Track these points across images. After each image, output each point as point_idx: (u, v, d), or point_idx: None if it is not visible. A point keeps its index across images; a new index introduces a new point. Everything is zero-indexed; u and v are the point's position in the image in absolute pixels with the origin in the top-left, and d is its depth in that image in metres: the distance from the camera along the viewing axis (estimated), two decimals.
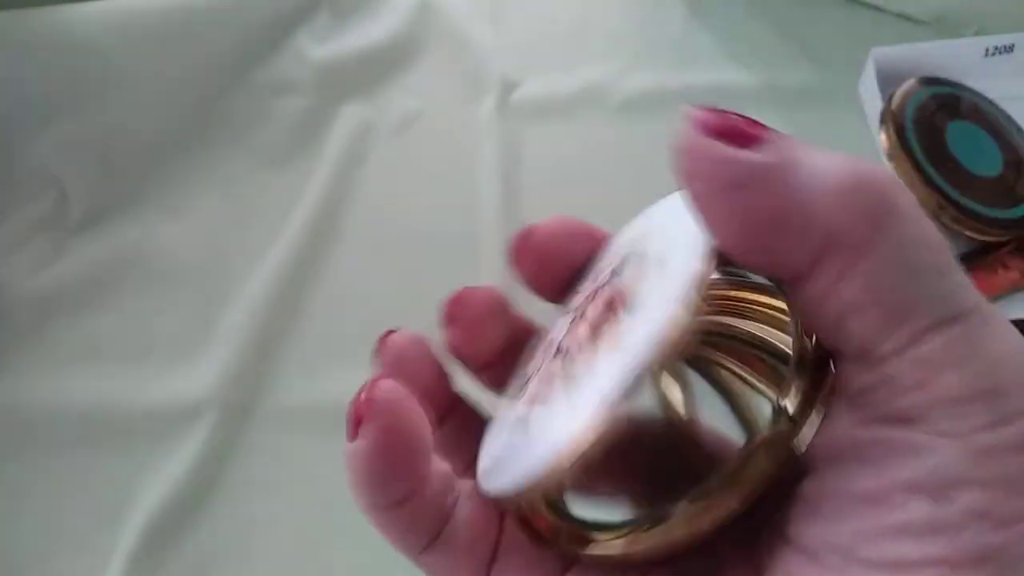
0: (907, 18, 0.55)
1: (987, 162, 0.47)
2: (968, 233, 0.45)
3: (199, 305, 0.46)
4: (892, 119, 0.47)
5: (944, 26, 0.54)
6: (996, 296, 0.44)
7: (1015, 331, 0.14)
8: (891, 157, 0.46)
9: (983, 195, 0.46)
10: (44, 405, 0.43)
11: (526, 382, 0.19)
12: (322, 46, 0.55)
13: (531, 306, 0.22)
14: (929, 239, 0.14)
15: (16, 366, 0.45)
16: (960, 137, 0.47)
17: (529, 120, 0.53)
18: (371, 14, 0.57)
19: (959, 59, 0.50)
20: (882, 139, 0.47)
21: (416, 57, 0.56)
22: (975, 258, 0.46)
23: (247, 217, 0.49)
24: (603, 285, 0.18)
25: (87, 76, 0.53)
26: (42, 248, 0.48)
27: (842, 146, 0.53)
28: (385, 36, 0.56)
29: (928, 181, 0.45)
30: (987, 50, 0.51)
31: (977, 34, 0.53)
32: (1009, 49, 0.50)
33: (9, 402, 0.43)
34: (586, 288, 0.19)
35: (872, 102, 0.50)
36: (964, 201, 0.45)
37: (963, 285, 0.14)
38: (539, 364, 0.19)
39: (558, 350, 0.18)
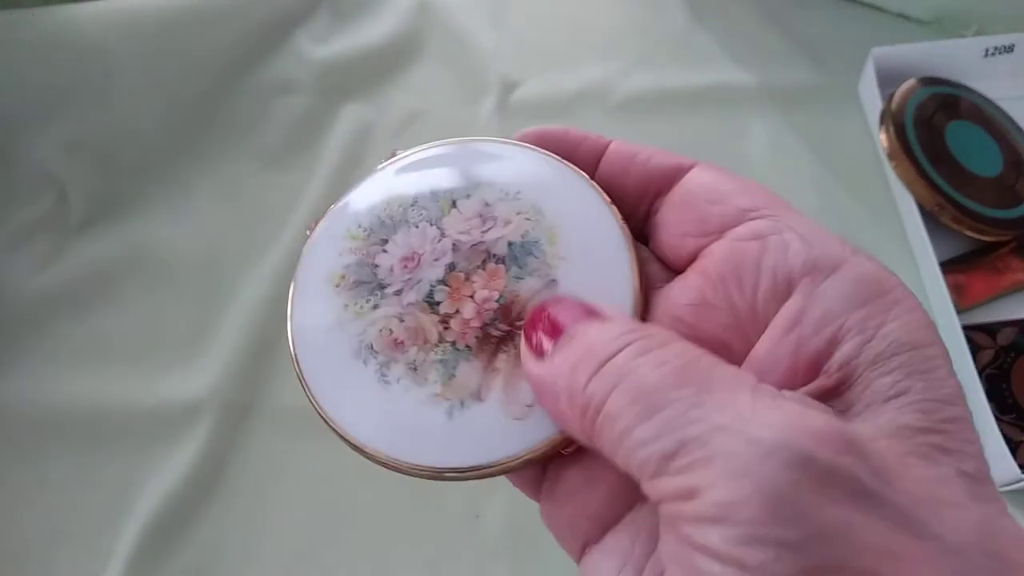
0: (907, 18, 0.55)
1: (987, 162, 0.47)
2: (968, 233, 0.45)
3: (199, 305, 0.46)
4: (892, 119, 0.47)
5: (944, 26, 0.54)
6: (996, 296, 0.44)
7: None
8: (891, 157, 0.46)
9: (983, 195, 0.46)
10: (44, 405, 0.43)
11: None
12: (322, 46, 0.55)
13: None
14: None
15: (16, 366, 0.45)
16: (960, 137, 0.47)
17: (529, 120, 0.52)
18: (371, 14, 0.57)
19: (959, 59, 0.50)
20: (882, 139, 0.47)
21: (416, 57, 0.56)
22: (975, 258, 0.46)
23: (247, 217, 0.49)
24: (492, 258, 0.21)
25: (87, 76, 0.53)
26: (42, 248, 0.48)
27: (842, 146, 0.53)
28: (385, 36, 0.56)
29: (928, 181, 0.45)
30: (987, 50, 0.51)
31: (977, 34, 0.53)
32: (1009, 49, 0.50)
33: (9, 402, 0.43)
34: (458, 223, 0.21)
35: (872, 102, 0.50)
36: (964, 201, 0.45)
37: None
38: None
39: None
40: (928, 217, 0.45)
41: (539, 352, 0.17)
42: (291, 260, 0.47)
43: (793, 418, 0.14)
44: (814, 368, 0.16)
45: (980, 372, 0.41)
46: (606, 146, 0.22)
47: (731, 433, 0.13)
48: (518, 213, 0.21)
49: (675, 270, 0.21)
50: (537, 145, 0.22)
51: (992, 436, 0.38)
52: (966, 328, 0.42)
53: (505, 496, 0.40)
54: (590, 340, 0.16)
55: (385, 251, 0.21)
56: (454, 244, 0.21)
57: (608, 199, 0.21)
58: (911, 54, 0.50)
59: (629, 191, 0.21)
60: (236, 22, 0.55)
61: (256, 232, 0.48)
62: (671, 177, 0.20)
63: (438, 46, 0.56)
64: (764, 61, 0.54)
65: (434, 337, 0.20)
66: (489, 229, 0.21)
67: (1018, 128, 0.50)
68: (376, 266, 0.21)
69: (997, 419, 0.39)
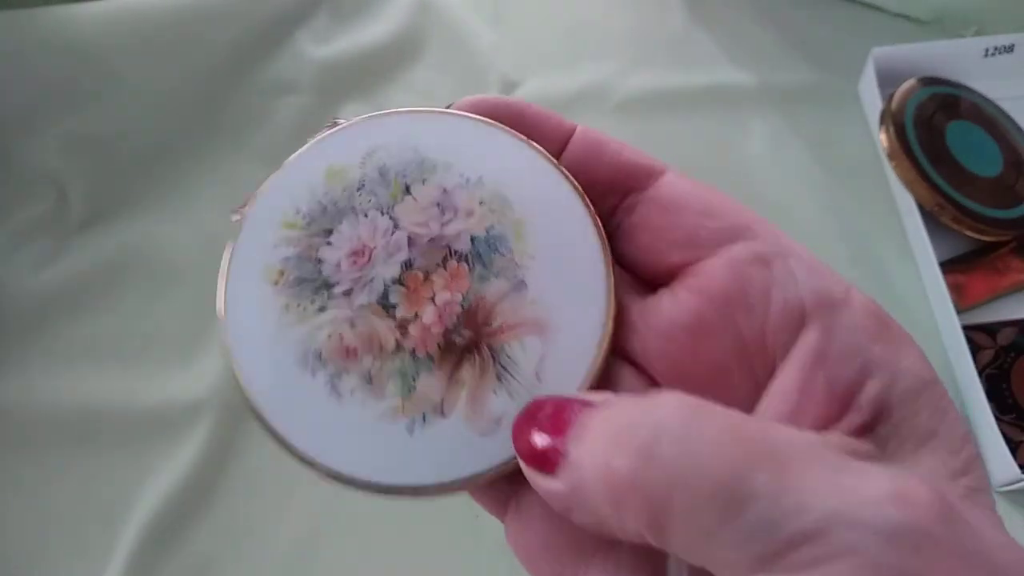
0: (907, 18, 0.55)
1: (987, 162, 0.47)
2: (968, 233, 0.45)
3: (199, 305, 0.46)
4: (892, 119, 0.47)
5: (944, 26, 0.54)
6: (996, 296, 0.44)
7: None
8: (891, 157, 0.46)
9: (983, 195, 0.46)
10: (44, 405, 0.43)
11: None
12: (322, 46, 0.55)
13: None
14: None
15: (16, 366, 0.44)
16: (960, 137, 0.47)
17: None
18: (371, 14, 0.57)
19: (959, 59, 0.50)
20: (882, 139, 0.47)
21: (416, 57, 0.56)
22: (975, 258, 0.46)
23: None
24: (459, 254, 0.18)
25: (87, 76, 0.52)
26: (42, 248, 0.48)
27: (842, 146, 0.53)
28: (385, 36, 0.56)
29: (928, 181, 0.45)
30: (987, 50, 0.51)
31: (977, 34, 0.53)
32: (1009, 49, 0.50)
33: (9, 402, 0.43)
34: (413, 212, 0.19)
35: (872, 102, 0.50)
36: (964, 201, 0.45)
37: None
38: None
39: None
40: (928, 217, 0.45)
41: (548, 462, 0.15)
42: None
43: (896, 488, 0.13)
44: (844, 404, 0.16)
45: (980, 372, 0.41)
46: (572, 129, 0.19)
47: (844, 522, 0.13)
48: (481, 203, 0.19)
49: (640, 275, 0.19)
50: (490, 118, 0.19)
51: (992, 436, 0.38)
52: (966, 328, 0.42)
53: None
54: (612, 426, 0.14)
55: (330, 243, 0.18)
56: (410, 237, 0.18)
57: (579, 188, 0.19)
58: (911, 54, 0.50)
59: (598, 182, 0.19)
60: (236, 22, 0.55)
61: None
62: (645, 177, 0.19)
63: (438, 46, 0.56)
64: (764, 61, 0.54)
65: (391, 345, 0.18)
66: (449, 221, 0.19)
67: (1018, 128, 0.50)
68: (320, 261, 0.18)
69: (997, 419, 0.39)
